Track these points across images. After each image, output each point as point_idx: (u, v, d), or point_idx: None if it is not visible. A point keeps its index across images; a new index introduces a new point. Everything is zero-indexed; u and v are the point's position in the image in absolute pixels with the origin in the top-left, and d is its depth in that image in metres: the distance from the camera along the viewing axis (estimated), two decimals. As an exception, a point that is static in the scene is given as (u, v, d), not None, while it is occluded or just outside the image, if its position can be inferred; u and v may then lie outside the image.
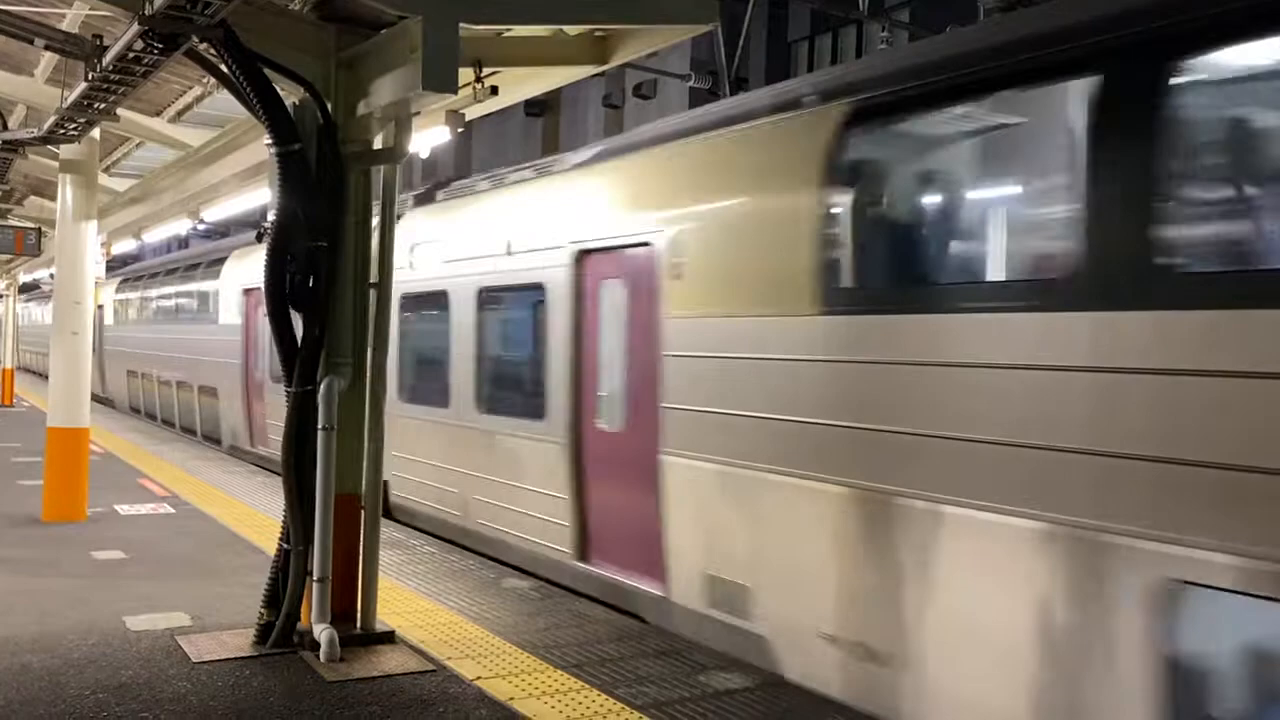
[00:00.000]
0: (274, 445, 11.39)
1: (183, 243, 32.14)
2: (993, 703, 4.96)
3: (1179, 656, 4.28)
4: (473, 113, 7.24)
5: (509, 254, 9.08)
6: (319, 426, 6.29)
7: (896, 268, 6.04)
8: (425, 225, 10.94)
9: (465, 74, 6.21)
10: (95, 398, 26.39)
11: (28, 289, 38.17)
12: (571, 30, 6.79)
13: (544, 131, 30.45)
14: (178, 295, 20.82)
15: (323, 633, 6.17)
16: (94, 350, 27.99)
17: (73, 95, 8.24)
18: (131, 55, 6.63)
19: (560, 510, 8.34)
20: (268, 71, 6.11)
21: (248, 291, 15.57)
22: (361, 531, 6.56)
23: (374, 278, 6.63)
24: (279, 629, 6.35)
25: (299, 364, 6.34)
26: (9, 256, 21.60)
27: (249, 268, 15.59)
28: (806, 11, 24.45)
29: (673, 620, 7.14)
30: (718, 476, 6.69)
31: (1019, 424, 4.83)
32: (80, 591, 7.60)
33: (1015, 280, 5.35)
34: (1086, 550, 4.54)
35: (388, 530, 8.88)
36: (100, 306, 26.82)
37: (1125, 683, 4.41)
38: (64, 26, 8.27)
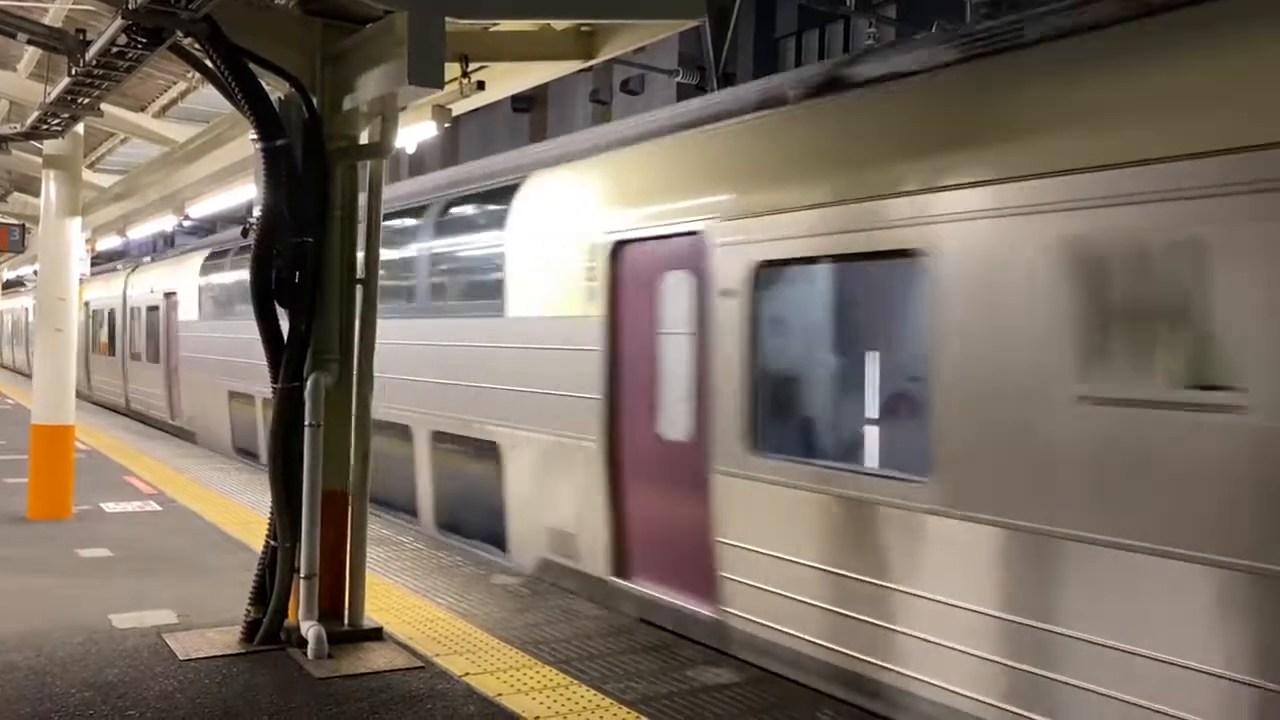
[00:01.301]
0: (738, 602, 6.39)
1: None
2: None
3: None
4: (460, 108, 7.24)
5: None
6: (306, 423, 6.27)
7: None
8: None
9: (452, 69, 6.21)
10: (164, 427, 19.35)
11: (12, 285, 37.84)
12: (558, 25, 6.78)
13: (531, 127, 30.40)
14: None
15: (310, 629, 6.16)
16: (159, 360, 19.67)
17: (56, 90, 8.20)
18: (115, 50, 6.60)
19: None
20: (253, 66, 6.08)
21: (622, 246, 7.48)
22: (349, 528, 6.54)
23: (360, 274, 6.62)
24: (266, 626, 6.33)
25: (285, 360, 6.32)
26: (-7, 253, 20.42)
27: (628, 196, 7.57)
28: (794, 7, 24.46)
29: None
30: None
31: None
32: (66, 589, 7.56)
33: None
34: None
35: (375, 526, 8.85)
36: (170, 295, 19.24)
37: None
38: (47, 20, 8.22)
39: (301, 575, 6.27)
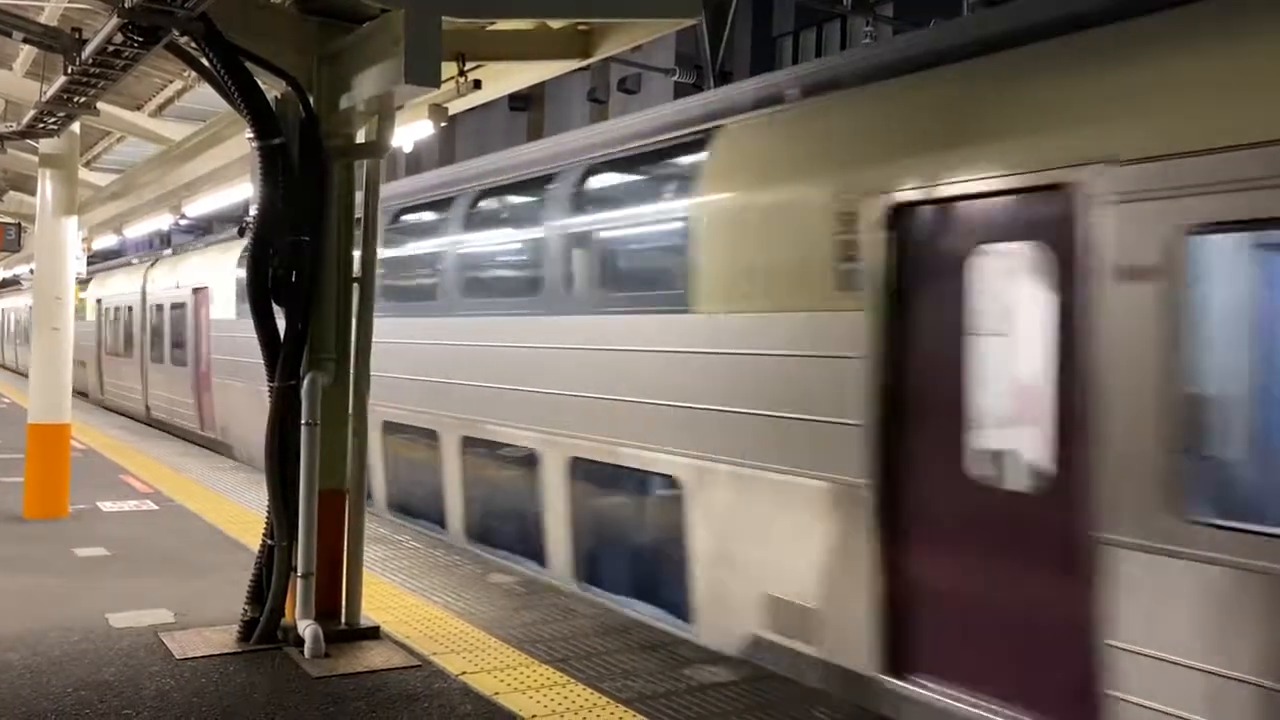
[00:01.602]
0: None
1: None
2: None
3: None
4: (456, 107, 7.23)
5: None
6: (303, 422, 6.27)
7: None
8: None
9: (448, 68, 6.21)
10: (192, 439, 17.35)
11: (9, 284, 37.81)
12: (555, 23, 6.78)
13: (528, 126, 30.39)
14: (491, 257, 9.47)
15: (307, 629, 6.15)
16: (187, 363, 17.72)
17: (52, 89, 8.18)
18: (111, 49, 6.58)
19: None
20: (249, 65, 6.08)
21: (905, 211, 5.38)
22: (346, 527, 6.54)
23: (357, 273, 6.62)
24: (263, 625, 6.33)
25: (282, 359, 6.32)
26: (-11, 251, 20.20)
27: (918, 140, 5.41)
28: (791, 5, 24.48)
29: None
30: None
31: None
32: (63, 589, 7.56)
33: None
34: None
35: (372, 525, 8.85)
36: (199, 290, 17.21)
37: None
38: (43, 19, 8.21)
39: (299, 574, 6.27)
